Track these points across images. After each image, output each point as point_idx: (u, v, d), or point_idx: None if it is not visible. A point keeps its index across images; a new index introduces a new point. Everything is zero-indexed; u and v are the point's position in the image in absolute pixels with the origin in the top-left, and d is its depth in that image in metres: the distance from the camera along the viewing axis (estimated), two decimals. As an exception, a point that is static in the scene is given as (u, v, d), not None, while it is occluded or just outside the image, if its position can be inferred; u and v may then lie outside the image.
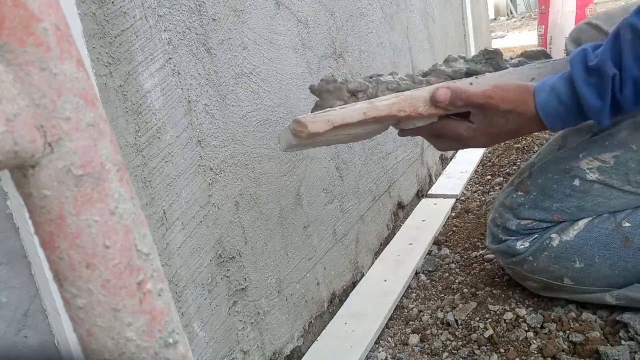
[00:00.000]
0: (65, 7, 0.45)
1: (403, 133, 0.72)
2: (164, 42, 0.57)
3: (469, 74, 0.70)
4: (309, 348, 0.84)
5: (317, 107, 0.62)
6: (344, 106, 0.59)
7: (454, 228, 1.24)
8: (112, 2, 0.50)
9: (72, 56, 0.20)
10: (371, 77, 0.65)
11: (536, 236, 0.85)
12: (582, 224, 0.81)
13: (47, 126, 0.19)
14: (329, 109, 0.59)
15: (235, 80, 0.69)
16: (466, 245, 1.14)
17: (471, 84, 0.66)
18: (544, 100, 0.65)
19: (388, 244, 1.16)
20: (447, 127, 0.69)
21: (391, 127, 0.71)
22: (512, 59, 0.76)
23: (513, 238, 0.87)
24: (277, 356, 0.77)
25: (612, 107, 0.63)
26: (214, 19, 0.65)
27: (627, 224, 0.79)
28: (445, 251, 1.12)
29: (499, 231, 0.89)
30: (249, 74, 0.71)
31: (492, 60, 0.71)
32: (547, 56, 0.77)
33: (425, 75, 0.69)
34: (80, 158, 0.20)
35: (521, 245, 0.86)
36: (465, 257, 1.09)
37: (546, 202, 0.83)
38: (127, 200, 0.21)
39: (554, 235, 0.83)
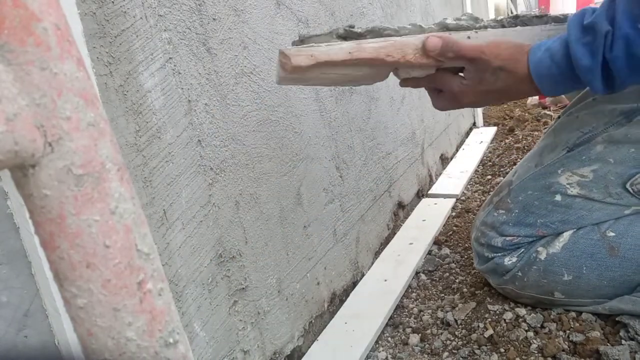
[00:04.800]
0: (65, 6, 0.45)
1: (404, 83, 0.70)
2: (164, 41, 0.57)
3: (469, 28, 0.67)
4: (309, 347, 0.84)
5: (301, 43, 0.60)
6: (329, 43, 0.58)
7: (454, 227, 1.24)
8: (112, 2, 0.50)
9: (72, 55, 0.20)
10: (370, 30, 0.63)
11: (522, 250, 0.86)
12: (566, 235, 0.82)
13: (47, 125, 0.19)
14: (313, 44, 0.57)
15: (235, 79, 0.68)
16: (466, 245, 1.14)
17: (469, 37, 0.64)
18: (537, 59, 0.63)
19: (388, 243, 1.16)
20: (442, 79, 0.67)
21: (393, 77, 0.69)
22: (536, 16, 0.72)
23: (499, 254, 0.87)
24: (277, 356, 0.77)
25: (602, 69, 0.60)
26: (214, 19, 0.65)
27: (611, 233, 0.79)
28: (445, 251, 1.12)
29: (484, 249, 0.89)
30: (249, 74, 0.71)
31: (513, 19, 0.69)
32: (548, 20, 0.72)
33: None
34: (80, 157, 0.20)
35: (509, 260, 0.86)
36: (465, 256, 1.09)
37: (529, 218, 0.84)
38: (127, 200, 0.21)
39: (540, 249, 0.83)
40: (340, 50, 0.57)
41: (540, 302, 0.87)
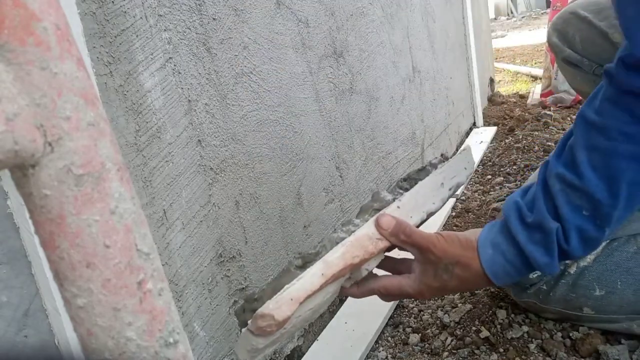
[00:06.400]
0: (65, 6, 0.45)
1: (343, 292, 0.65)
2: (164, 41, 0.57)
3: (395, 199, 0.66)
4: (309, 347, 0.84)
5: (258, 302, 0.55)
6: (299, 277, 0.54)
7: (454, 227, 1.24)
8: (112, 2, 0.50)
9: (72, 55, 0.20)
10: (320, 241, 0.61)
11: None
12: (599, 247, 0.76)
13: (47, 125, 0.19)
14: (285, 287, 0.53)
15: (235, 79, 0.69)
16: (466, 245, 1.14)
17: (398, 207, 0.64)
18: (490, 258, 0.64)
19: (388, 243, 1.16)
20: (390, 284, 0.66)
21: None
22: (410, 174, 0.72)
23: None
24: (277, 355, 0.77)
25: (560, 258, 0.62)
26: (214, 18, 0.65)
27: None
28: (445, 250, 1.12)
29: None
30: (249, 73, 0.71)
31: (412, 180, 0.69)
32: (434, 165, 0.73)
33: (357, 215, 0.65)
34: (80, 157, 0.20)
35: (533, 274, 0.79)
36: (465, 256, 1.09)
37: None
38: (127, 200, 0.21)
39: (569, 261, 0.77)
40: (313, 277, 0.54)
41: (566, 318, 0.81)
